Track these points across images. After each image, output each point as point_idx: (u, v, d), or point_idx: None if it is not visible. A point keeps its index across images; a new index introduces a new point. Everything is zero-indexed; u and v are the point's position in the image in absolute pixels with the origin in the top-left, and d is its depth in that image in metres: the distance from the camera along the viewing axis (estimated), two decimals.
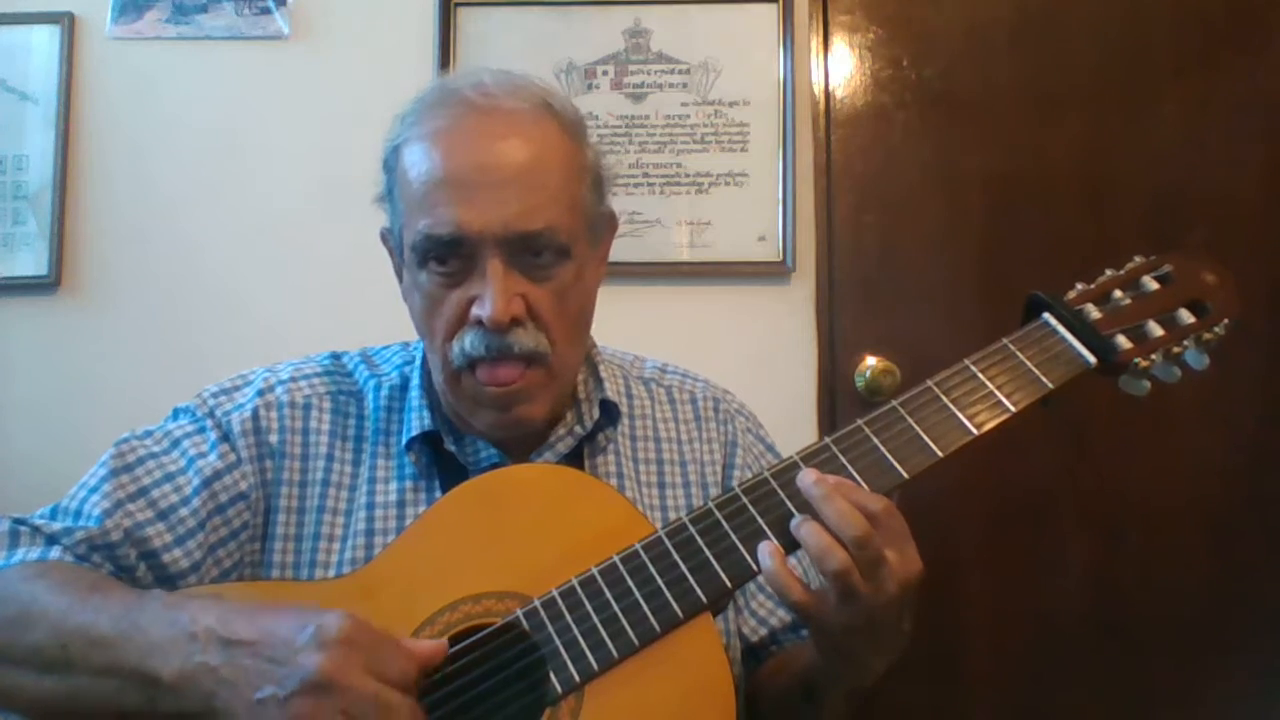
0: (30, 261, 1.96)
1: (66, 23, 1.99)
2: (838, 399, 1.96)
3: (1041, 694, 1.90)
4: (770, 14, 2.00)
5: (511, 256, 0.99)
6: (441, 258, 0.99)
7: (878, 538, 0.86)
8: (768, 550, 0.89)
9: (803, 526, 0.88)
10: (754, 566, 0.90)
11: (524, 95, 1.04)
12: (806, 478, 0.89)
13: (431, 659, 0.85)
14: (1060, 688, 1.90)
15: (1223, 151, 1.96)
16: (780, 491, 0.93)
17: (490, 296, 0.97)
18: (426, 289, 1.02)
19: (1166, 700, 1.89)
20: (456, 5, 2.00)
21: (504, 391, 1.01)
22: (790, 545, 0.91)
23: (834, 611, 0.87)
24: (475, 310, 0.99)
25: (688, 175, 2.00)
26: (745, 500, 0.93)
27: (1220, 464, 1.92)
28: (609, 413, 1.13)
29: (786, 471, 0.94)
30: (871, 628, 0.88)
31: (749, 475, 1.17)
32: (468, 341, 1.00)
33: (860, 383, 1.95)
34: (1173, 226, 1.94)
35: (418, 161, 1.01)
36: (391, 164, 1.05)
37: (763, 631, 1.14)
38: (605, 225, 1.11)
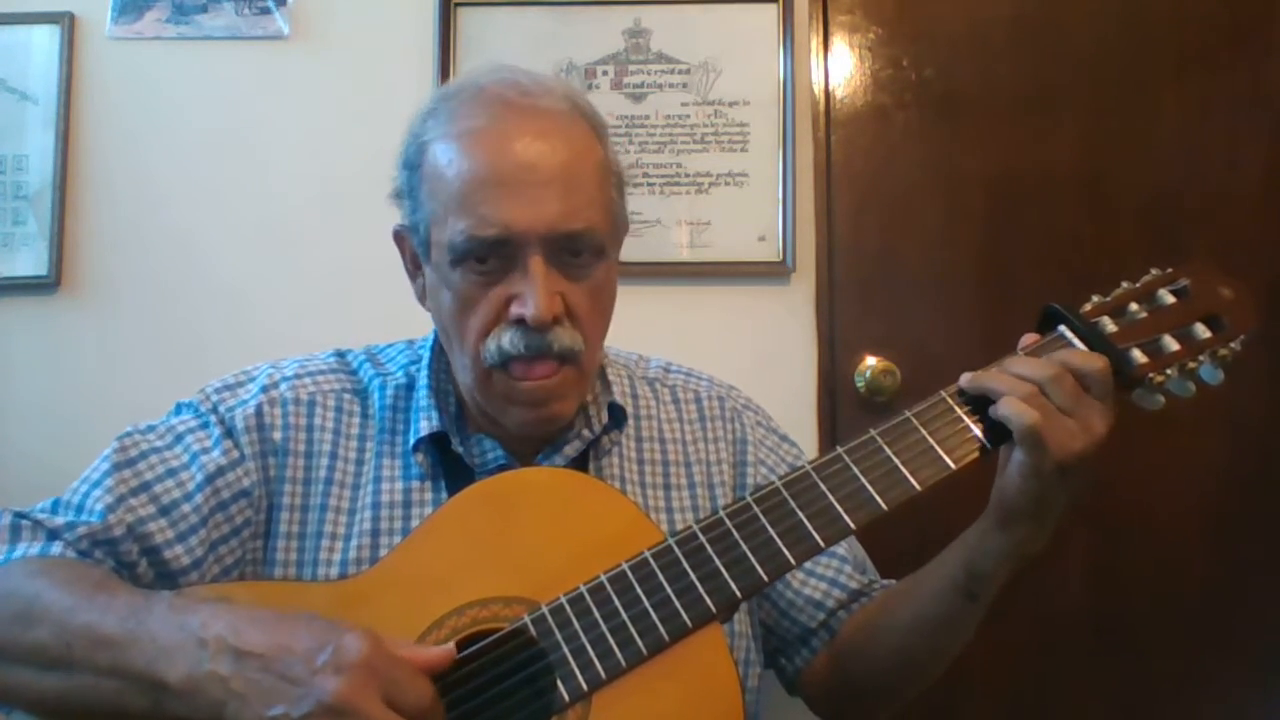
0: (30, 261, 1.95)
1: (66, 23, 1.98)
2: (838, 399, 1.96)
3: (1041, 693, 1.90)
4: (770, 14, 2.00)
5: (551, 255, 0.99)
6: (481, 257, 0.99)
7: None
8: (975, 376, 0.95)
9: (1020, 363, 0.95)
10: (764, 577, 0.91)
11: (557, 95, 1.04)
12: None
13: (440, 664, 0.85)
14: (1060, 687, 1.90)
15: (1223, 151, 1.96)
16: (792, 501, 0.93)
17: (534, 295, 0.98)
18: (460, 288, 1.01)
19: (1166, 700, 1.90)
20: (456, 5, 2.00)
21: (538, 387, 1.01)
22: (804, 554, 0.92)
23: (1069, 439, 0.91)
24: (516, 309, 0.99)
25: (688, 175, 2.00)
26: (757, 510, 0.93)
27: (1221, 464, 1.92)
28: (615, 416, 1.13)
29: (798, 481, 0.94)
30: (1081, 471, 0.92)
31: (765, 471, 1.18)
32: (506, 339, 1.00)
33: (860, 383, 1.95)
34: (1173, 226, 1.95)
35: (455, 160, 1.00)
36: (415, 161, 1.04)
37: (821, 615, 1.15)
38: (624, 226, 1.12)
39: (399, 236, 1.10)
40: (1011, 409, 0.91)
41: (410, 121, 1.08)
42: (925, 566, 1.09)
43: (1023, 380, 0.93)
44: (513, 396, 1.03)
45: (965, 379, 0.96)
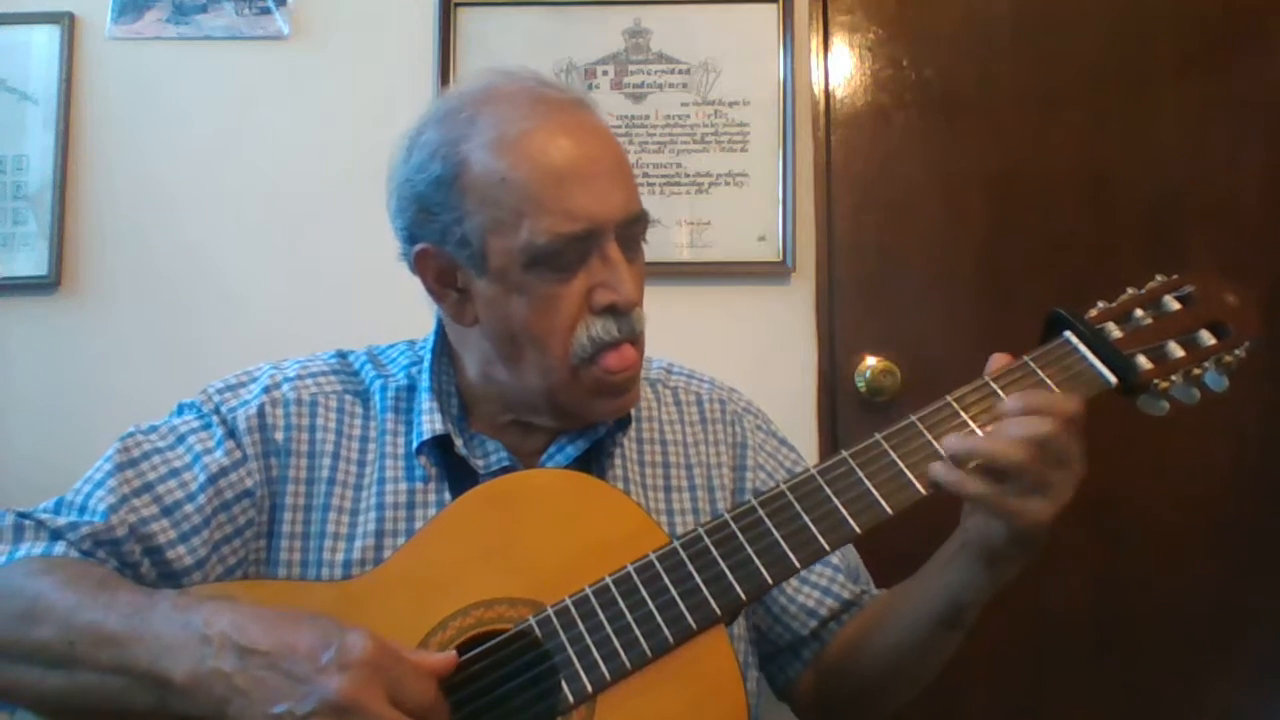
0: (30, 261, 1.96)
1: (66, 23, 1.99)
2: (838, 399, 1.96)
3: (1040, 694, 1.91)
4: (770, 14, 2.00)
5: (620, 239, 1.01)
6: (562, 254, 0.99)
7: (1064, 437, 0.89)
8: (939, 469, 0.90)
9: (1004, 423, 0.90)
10: (768, 580, 0.91)
11: (571, 88, 1.07)
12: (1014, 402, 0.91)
13: (442, 670, 0.85)
14: (1060, 688, 1.91)
15: (1223, 151, 1.96)
16: (796, 505, 0.93)
17: (624, 279, 1.00)
18: (538, 290, 1.00)
19: (1166, 700, 1.90)
20: (456, 5, 2.00)
21: (627, 376, 1.03)
22: (809, 558, 0.92)
23: (1028, 502, 0.88)
24: (604, 297, 1.00)
25: (688, 175, 2.00)
26: (762, 513, 0.93)
27: (1221, 464, 1.92)
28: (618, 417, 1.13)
29: (802, 485, 0.94)
30: (1053, 517, 0.90)
31: (764, 476, 1.18)
32: (598, 328, 1.01)
33: (860, 383, 1.95)
34: (1173, 226, 1.95)
35: (518, 163, 0.99)
36: (450, 175, 1.01)
37: (813, 623, 1.15)
38: None
39: (424, 255, 1.05)
40: (1000, 506, 0.89)
41: (418, 140, 1.05)
42: (906, 584, 1.09)
43: (1010, 460, 0.88)
44: (602, 389, 1.03)
45: (953, 444, 0.91)
